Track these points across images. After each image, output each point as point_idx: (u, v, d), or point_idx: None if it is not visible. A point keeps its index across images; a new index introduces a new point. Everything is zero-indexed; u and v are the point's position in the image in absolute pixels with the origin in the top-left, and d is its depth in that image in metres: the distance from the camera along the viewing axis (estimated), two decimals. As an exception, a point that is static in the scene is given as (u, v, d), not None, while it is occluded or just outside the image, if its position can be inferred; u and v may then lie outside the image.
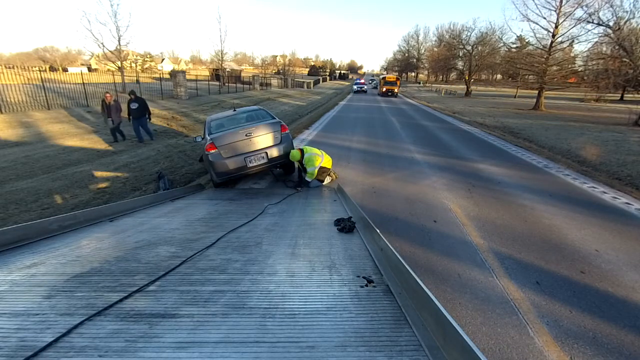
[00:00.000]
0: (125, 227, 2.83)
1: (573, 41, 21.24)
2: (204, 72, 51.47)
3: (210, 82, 27.13)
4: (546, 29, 21.38)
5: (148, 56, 65.03)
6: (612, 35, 16.28)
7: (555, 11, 20.38)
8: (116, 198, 5.36)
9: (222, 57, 30.90)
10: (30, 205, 4.97)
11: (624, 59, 16.18)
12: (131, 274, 1.74)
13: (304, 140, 9.58)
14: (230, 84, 29.87)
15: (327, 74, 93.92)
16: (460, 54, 42.29)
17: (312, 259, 2.00)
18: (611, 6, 16.22)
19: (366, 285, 1.62)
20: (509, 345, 2.22)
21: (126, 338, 1.17)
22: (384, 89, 34.47)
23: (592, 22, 17.37)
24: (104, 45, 17.30)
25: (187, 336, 1.18)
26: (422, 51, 73.98)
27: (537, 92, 22.93)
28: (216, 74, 32.97)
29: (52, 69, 45.29)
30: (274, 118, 5.64)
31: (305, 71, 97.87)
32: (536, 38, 22.26)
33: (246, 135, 5.01)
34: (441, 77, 68.35)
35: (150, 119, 9.79)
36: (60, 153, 7.99)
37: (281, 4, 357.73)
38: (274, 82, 40.83)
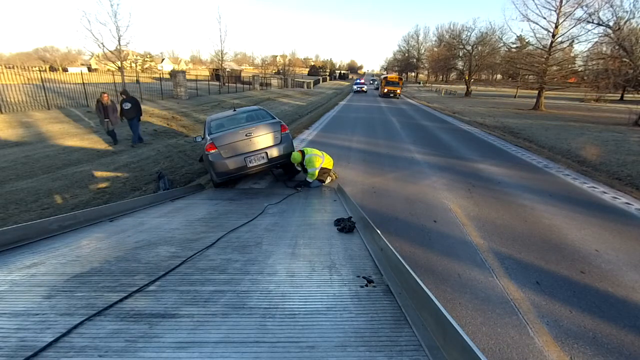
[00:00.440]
0: (125, 227, 2.83)
1: (573, 41, 21.28)
2: (204, 72, 51.48)
3: (210, 82, 27.13)
4: (546, 29, 21.41)
5: (148, 56, 65.04)
6: (612, 35, 16.28)
7: (555, 11, 20.40)
8: (116, 198, 5.36)
9: (222, 57, 30.90)
10: (30, 205, 4.97)
11: (624, 59, 16.18)
12: (131, 274, 1.74)
13: (304, 140, 9.58)
14: (230, 84, 29.87)
15: (327, 74, 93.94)
16: (460, 54, 42.28)
17: (312, 259, 2.00)
18: (611, 6, 16.24)
19: (366, 285, 1.62)
20: (509, 345, 2.22)
21: (126, 338, 1.17)
22: (385, 90, 32.67)
23: (592, 22, 17.38)
24: (104, 45, 17.31)
25: (187, 336, 1.18)
26: (422, 51, 73.98)
27: (537, 92, 22.94)
28: (216, 74, 32.97)
29: (52, 69, 45.29)
30: (274, 118, 5.64)
31: (305, 71, 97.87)
32: (536, 38, 22.30)
33: (246, 135, 5.01)
34: (441, 77, 68.36)
35: (139, 120, 9.38)
36: (60, 153, 7.99)
37: (281, 4, 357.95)
38: (274, 82, 40.82)
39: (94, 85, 14.81)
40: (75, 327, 1.23)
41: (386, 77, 35.73)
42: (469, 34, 40.50)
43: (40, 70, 24.35)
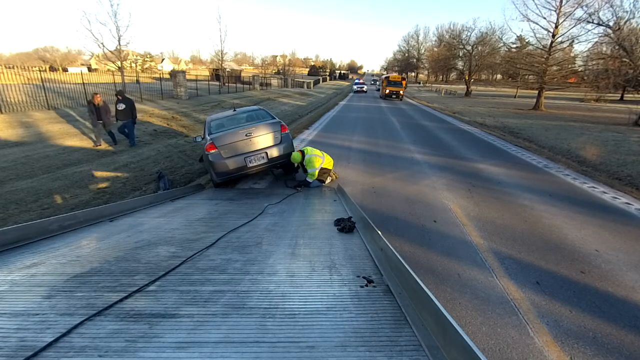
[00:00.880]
0: (125, 227, 2.83)
1: (573, 41, 21.30)
2: (204, 72, 51.48)
3: (210, 82, 27.11)
4: (546, 29, 21.43)
5: (148, 56, 65.04)
6: (612, 35, 16.29)
7: (555, 11, 20.42)
8: (116, 198, 5.36)
9: (222, 57, 30.91)
10: (30, 205, 4.97)
11: (624, 59, 16.19)
12: (131, 274, 1.74)
13: (304, 140, 9.58)
14: (230, 84, 29.86)
15: (327, 74, 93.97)
16: (460, 54, 42.29)
17: (312, 259, 2.00)
18: (611, 6, 16.25)
19: (366, 285, 1.62)
20: (509, 345, 2.22)
21: (126, 338, 1.17)
22: (387, 91, 29.29)
23: (592, 22, 17.39)
24: (104, 45, 17.30)
25: (187, 336, 1.18)
26: (422, 51, 74.03)
27: (537, 92, 22.96)
28: (216, 74, 32.96)
29: (52, 69, 45.28)
30: (274, 118, 5.64)
31: (305, 71, 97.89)
32: (536, 38, 22.32)
33: (246, 135, 5.01)
34: (441, 77, 68.39)
35: (134, 122, 9.23)
36: (60, 153, 7.99)
37: (281, 4, 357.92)
38: (274, 82, 40.82)
39: (94, 85, 14.80)
40: (75, 327, 1.23)
41: (388, 76, 32.13)
42: (469, 34, 40.57)
43: (40, 70, 24.35)
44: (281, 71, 68.44)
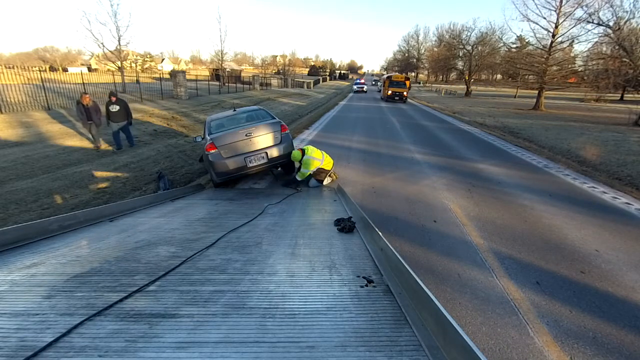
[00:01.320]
0: (125, 227, 2.83)
1: (573, 41, 21.30)
2: (204, 72, 51.47)
3: (210, 82, 27.13)
4: (546, 29, 21.44)
5: (148, 56, 65.03)
6: (612, 35, 16.29)
7: (555, 11, 20.42)
8: (116, 198, 5.36)
9: (222, 57, 30.93)
10: (30, 205, 4.97)
11: (624, 59, 16.19)
12: (131, 274, 1.74)
13: (304, 140, 9.58)
14: (230, 84, 29.87)
15: (327, 74, 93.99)
16: (460, 54, 42.29)
17: (312, 259, 2.00)
18: (611, 6, 16.25)
19: (366, 285, 1.62)
20: (509, 345, 2.22)
21: (126, 338, 1.17)
22: (390, 92, 26.15)
23: (592, 22, 17.40)
24: (104, 45, 17.34)
25: (187, 336, 1.18)
26: (422, 51, 74.08)
27: (537, 92, 22.96)
28: (216, 74, 32.97)
29: (52, 69, 45.27)
30: (274, 118, 5.64)
31: (305, 71, 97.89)
32: (536, 38, 22.33)
33: (246, 135, 5.01)
34: (441, 77, 68.40)
35: (131, 123, 8.97)
36: (60, 153, 7.99)
37: (281, 4, 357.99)
38: (274, 82, 40.82)
39: (94, 85, 14.81)
40: (75, 327, 1.23)
41: (390, 76, 28.68)
42: (469, 34, 40.57)
43: (40, 70, 24.35)
44: (281, 71, 68.46)
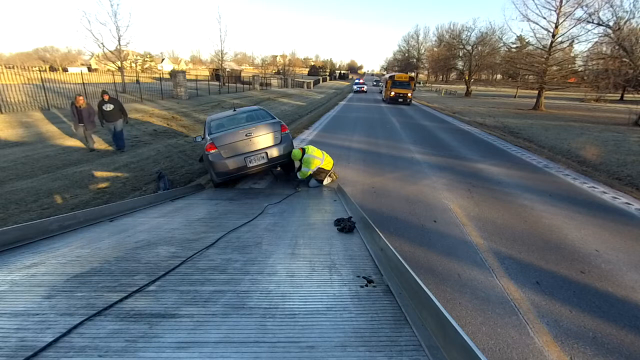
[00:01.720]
0: (125, 227, 2.83)
1: (573, 41, 21.32)
2: (204, 72, 51.47)
3: (210, 82, 27.13)
4: (546, 29, 21.46)
5: (148, 56, 65.02)
6: (612, 35, 16.30)
7: (555, 11, 20.44)
8: (116, 198, 5.36)
9: (222, 57, 30.92)
10: (30, 205, 4.97)
11: (624, 59, 16.20)
12: (131, 274, 1.74)
13: (304, 140, 9.58)
14: (230, 84, 29.88)
15: (327, 74, 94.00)
16: (460, 54, 42.32)
17: (312, 259, 2.00)
18: (611, 6, 16.26)
19: (366, 285, 1.62)
20: (509, 345, 2.22)
21: (126, 338, 1.17)
22: (392, 94, 23.70)
23: (592, 22, 17.41)
24: (104, 45, 17.33)
25: (187, 336, 1.18)
26: (422, 51, 73.96)
27: (537, 92, 22.98)
28: (216, 74, 32.97)
29: (52, 69, 45.28)
30: (274, 118, 5.64)
31: (305, 71, 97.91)
32: (536, 38, 22.36)
33: (246, 135, 5.01)
34: (441, 77, 68.42)
35: (127, 122, 8.74)
36: (60, 153, 7.99)
37: (281, 4, 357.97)
38: (274, 82, 40.82)
39: (94, 85, 14.81)
40: (75, 327, 1.23)
41: (393, 76, 25.72)
42: (469, 34, 40.60)
43: (40, 70, 24.35)
44: (281, 71, 68.47)
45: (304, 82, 47.40)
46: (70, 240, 2.40)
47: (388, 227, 3.95)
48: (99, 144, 9.03)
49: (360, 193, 5.15)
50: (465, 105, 24.80)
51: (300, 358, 1.08)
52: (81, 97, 8.08)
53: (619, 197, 5.31)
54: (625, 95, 31.69)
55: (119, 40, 17.41)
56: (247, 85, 32.78)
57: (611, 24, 16.37)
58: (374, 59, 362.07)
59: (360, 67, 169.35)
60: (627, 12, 16.01)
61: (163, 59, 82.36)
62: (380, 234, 2.11)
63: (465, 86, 38.08)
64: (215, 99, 21.28)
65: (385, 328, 1.25)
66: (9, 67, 24.69)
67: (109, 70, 20.01)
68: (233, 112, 6.04)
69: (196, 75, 33.05)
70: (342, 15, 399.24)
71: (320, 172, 5.30)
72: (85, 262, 1.92)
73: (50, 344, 1.12)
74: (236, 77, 34.34)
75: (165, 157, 8.14)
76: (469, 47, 38.77)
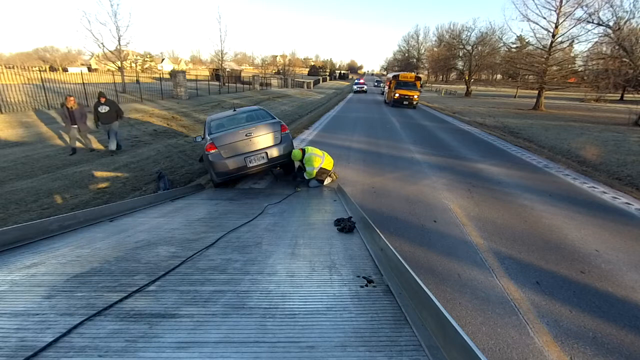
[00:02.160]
0: (125, 227, 2.83)
1: (573, 41, 21.33)
2: (204, 72, 51.46)
3: (210, 82, 27.12)
4: (546, 29, 21.46)
5: (148, 56, 64.99)
6: (612, 35, 16.30)
7: (555, 11, 20.44)
8: (116, 198, 5.36)
9: (222, 57, 30.91)
10: (30, 205, 4.97)
11: (624, 59, 16.20)
12: (131, 274, 1.74)
13: (304, 140, 9.58)
14: (230, 84, 29.87)
15: (327, 74, 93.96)
16: (460, 54, 42.31)
17: (312, 259, 2.00)
18: (611, 6, 16.26)
19: (366, 285, 1.62)
20: (509, 345, 2.22)
21: (126, 338, 1.17)
22: (397, 95, 20.89)
23: (592, 22, 17.41)
24: (104, 45, 17.34)
25: (187, 336, 1.18)
26: (422, 51, 73.96)
27: (537, 92, 22.98)
28: (216, 74, 32.96)
29: (52, 69, 45.26)
30: (274, 118, 5.64)
31: (305, 71, 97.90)
32: (536, 38, 22.36)
33: (246, 135, 5.01)
34: (441, 77, 68.39)
35: (121, 117, 8.52)
36: (60, 153, 7.99)
37: (281, 4, 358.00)
38: (274, 82, 40.82)
39: (94, 85, 14.81)
40: (75, 327, 1.23)
41: (397, 75, 22.54)
42: (469, 34, 40.60)
43: (40, 70, 24.35)
44: (281, 71, 68.48)
45: (303, 82, 47.39)
46: (70, 240, 2.40)
47: (388, 227, 3.95)
48: (99, 143, 9.02)
49: (360, 193, 5.15)
50: (465, 105, 24.80)
51: (300, 358, 1.08)
52: (72, 98, 7.90)
53: (619, 197, 5.31)
54: (625, 95, 31.69)
55: (119, 40, 17.42)
56: (247, 85, 32.78)
57: (611, 24, 16.39)
58: (374, 59, 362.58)
59: (360, 67, 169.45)
60: (627, 12, 16.03)
61: (163, 59, 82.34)
62: (380, 234, 2.11)
63: (465, 86, 38.08)
64: (215, 99, 21.28)
65: (385, 328, 1.25)
66: (9, 67, 24.69)
67: (109, 70, 20.01)
68: (233, 112, 6.04)
69: (196, 75, 33.04)
70: (342, 15, 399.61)
71: (321, 173, 5.30)
72: (85, 262, 1.92)
73: (50, 344, 1.12)
74: (236, 77, 34.32)
75: (165, 157, 8.14)
76: (469, 47, 38.77)
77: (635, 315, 2.53)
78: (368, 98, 31.54)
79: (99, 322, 1.27)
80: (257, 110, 6.21)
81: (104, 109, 8.07)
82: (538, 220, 4.27)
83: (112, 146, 8.32)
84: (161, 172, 6.26)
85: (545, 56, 21.78)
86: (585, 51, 23.39)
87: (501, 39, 34.47)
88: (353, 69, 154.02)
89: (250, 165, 5.05)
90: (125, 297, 1.46)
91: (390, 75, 25.51)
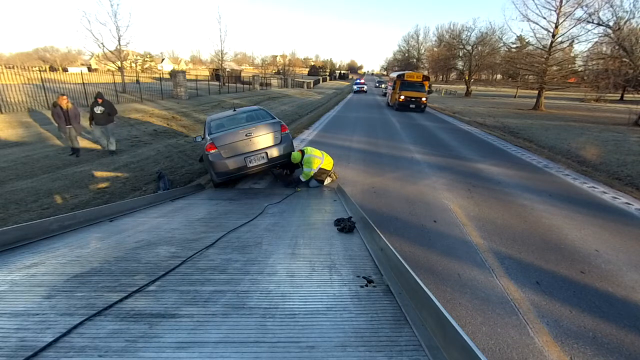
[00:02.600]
0: (125, 227, 2.83)
1: (573, 41, 21.33)
2: (204, 72, 51.47)
3: (210, 82, 27.12)
4: (546, 29, 21.46)
5: (148, 56, 64.98)
6: (612, 35, 16.30)
7: (555, 11, 20.44)
8: (116, 198, 5.36)
9: (222, 57, 30.91)
10: (30, 205, 4.96)
11: (624, 59, 16.20)
12: (131, 274, 1.74)
13: (304, 140, 9.58)
14: (230, 84, 29.87)
15: (327, 74, 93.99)
16: (460, 54, 42.31)
17: (312, 259, 2.00)
18: (611, 6, 16.26)
19: (366, 285, 1.62)
20: (509, 345, 2.22)
21: (126, 338, 1.17)
22: (402, 98, 18.35)
23: (592, 22, 17.40)
24: (104, 45, 17.35)
25: (187, 336, 1.18)
26: (422, 51, 73.89)
27: (537, 92, 22.98)
28: (216, 74, 32.95)
29: (52, 69, 45.24)
30: (274, 118, 5.64)
31: (305, 71, 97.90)
32: (536, 38, 22.36)
33: (246, 135, 5.01)
34: (441, 77, 68.38)
35: (116, 113, 8.40)
36: (60, 153, 7.99)
37: (281, 4, 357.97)
38: (274, 82, 40.83)
39: (94, 85, 14.81)
40: (75, 327, 1.23)
41: (402, 75, 19.68)
42: (469, 34, 40.59)
43: (40, 70, 24.34)
44: (281, 71, 68.49)
45: (303, 82, 47.40)
46: (70, 240, 2.40)
47: (388, 227, 3.95)
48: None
49: (360, 193, 5.15)
50: (465, 105, 24.80)
51: (300, 358, 1.08)
52: (65, 97, 7.73)
53: (619, 197, 5.31)
54: (625, 95, 31.70)
55: (119, 40, 17.43)
56: (247, 85, 32.77)
57: (611, 24, 16.38)
58: (374, 59, 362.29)
59: (360, 67, 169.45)
60: (627, 12, 16.03)
61: (163, 59, 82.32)
62: (380, 234, 2.11)
63: (465, 86, 38.08)
64: (215, 99, 21.28)
65: (385, 328, 1.25)
66: (9, 67, 24.68)
67: (109, 70, 20.01)
68: (233, 112, 6.04)
69: (196, 75, 33.04)
70: (342, 15, 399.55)
71: (321, 173, 5.30)
72: (85, 262, 1.92)
73: (50, 344, 1.12)
74: (236, 77, 34.32)
75: (165, 157, 8.14)
76: (469, 47, 38.78)
77: (635, 315, 2.53)
78: (368, 97, 31.53)
79: (99, 322, 1.27)
80: (257, 110, 6.21)
81: (99, 109, 7.98)
82: (538, 220, 4.27)
83: (112, 146, 8.32)
84: (161, 172, 6.26)
85: (545, 56, 21.78)
86: (585, 51, 23.45)
87: (501, 39, 34.53)
88: (353, 69, 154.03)
89: (250, 165, 5.05)
90: (125, 297, 1.46)
91: (394, 75, 22.75)
